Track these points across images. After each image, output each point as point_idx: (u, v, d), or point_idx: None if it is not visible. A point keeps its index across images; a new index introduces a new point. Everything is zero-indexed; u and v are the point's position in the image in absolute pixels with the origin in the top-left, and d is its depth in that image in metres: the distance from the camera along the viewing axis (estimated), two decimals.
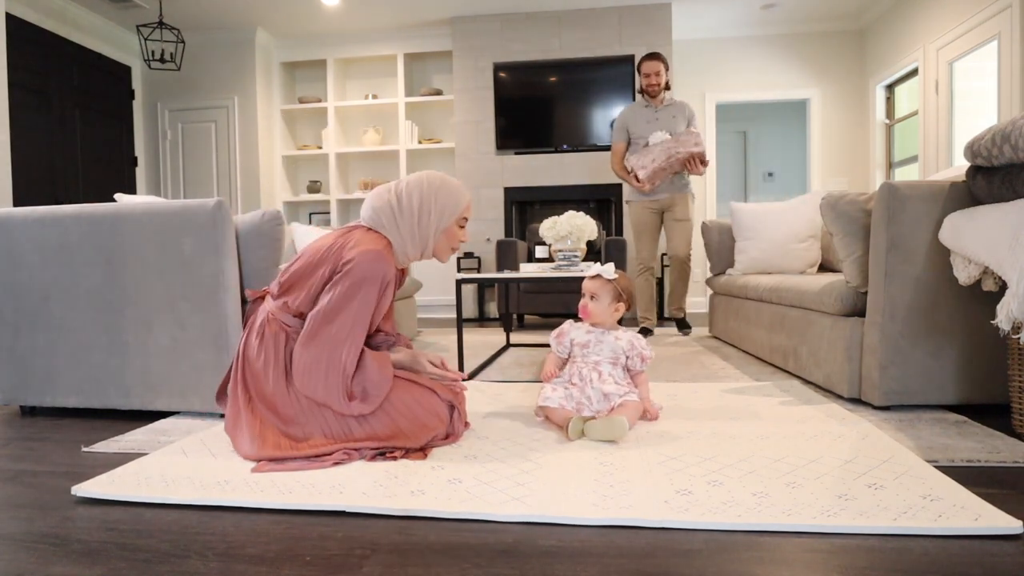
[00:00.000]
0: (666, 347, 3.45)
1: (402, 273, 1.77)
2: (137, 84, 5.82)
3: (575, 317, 1.97)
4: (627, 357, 1.88)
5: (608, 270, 1.90)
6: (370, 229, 1.64)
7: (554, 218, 2.90)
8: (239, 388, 1.60)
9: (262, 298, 1.71)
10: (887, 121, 5.57)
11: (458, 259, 5.41)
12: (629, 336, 1.90)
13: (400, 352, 1.71)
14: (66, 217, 2.02)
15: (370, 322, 1.58)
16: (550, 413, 1.77)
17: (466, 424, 1.72)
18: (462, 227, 1.71)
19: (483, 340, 4.00)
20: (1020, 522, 1.07)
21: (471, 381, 2.49)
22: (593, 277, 1.92)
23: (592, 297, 1.90)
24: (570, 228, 2.84)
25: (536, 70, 5.47)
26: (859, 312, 2.03)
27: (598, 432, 1.62)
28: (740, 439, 1.62)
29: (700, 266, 5.86)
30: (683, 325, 4.00)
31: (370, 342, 1.79)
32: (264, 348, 1.58)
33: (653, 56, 3.82)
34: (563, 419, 1.70)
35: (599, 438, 1.62)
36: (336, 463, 1.46)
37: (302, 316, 1.60)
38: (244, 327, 1.67)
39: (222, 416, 1.94)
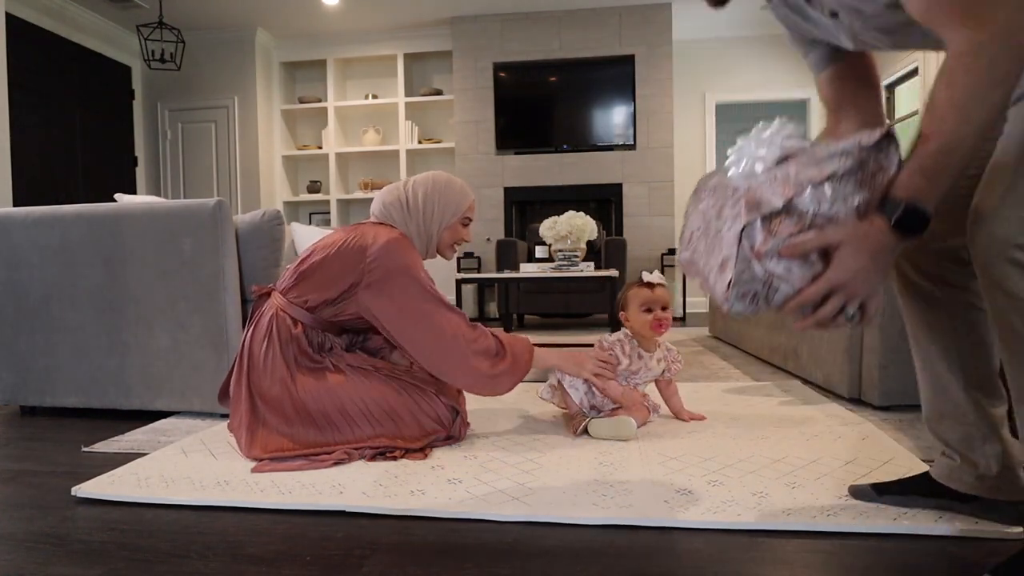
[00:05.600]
0: None
1: None
2: (137, 84, 5.82)
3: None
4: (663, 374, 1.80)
5: (660, 277, 1.75)
6: (381, 223, 1.66)
7: (554, 218, 2.90)
8: (243, 386, 1.60)
9: (267, 295, 1.71)
10: (887, 121, 5.57)
11: (458, 259, 5.41)
12: (660, 354, 1.79)
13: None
14: (66, 217, 2.02)
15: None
16: (570, 403, 1.73)
17: (466, 424, 1.72)
18: (465, 226, 1.74)
19: None
20: (1020, 526, 1.07)
21: None
22: (659, 285, 1.71)
23: (664, 308, 1.71)
24: (570, 228, 2.84)
25: (536, 70, 5.46)
26: None
27: (603, 430, 1.62)
28: (740, 439, 1.62)
29: None
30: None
31: (368, 346, 1.79)
32: (271, 346, 1.57)
33: None
34: (576, 413, 1.70)
35: (604, 436, 1.62)
36: (336, 463, 1.46)
37: (314, 310, 1.60)
38: (247, 324, 1.67)
39: (223, 416, 1.94)
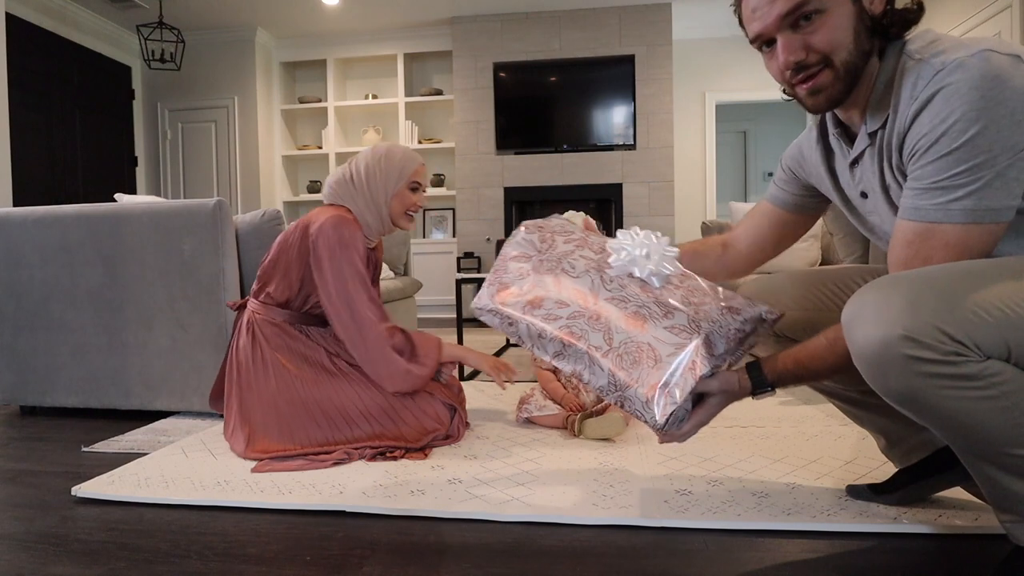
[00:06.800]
0: None
1: (375, 252, 1.77)
2: (137, 84, 5.82)
3: None
4: None
5: None
6: (330, 205, 1.67)
7: None
8: (234, 393, 1.61)
9: (243, 306, 1.73)
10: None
11: (458, 259, 5.40)
12: None
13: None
14: (66, 217, 2.02)
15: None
16: (553, 420, 1.75)
17: (466, 424, 1.72)
18: (414, 191, 1.72)
19: (483, 340, 3.99)
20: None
21: (470, 381, 2.49)
22: None
23: None
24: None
25: (536, 70, 5.46)
26: None
27: (594, 430, 1.62)
28: (740, 439, 1.62)
29: None
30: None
31: None
32: (256, 346, 1.60)
33: None
34: (560, 421, 1.70)
35: (595, 436, 1.62)
36: (336, 463, 1.46)
37: (285, 305, 1.63)
38: (231, 335, 1.69)
39: (222, 416, 1.94)
